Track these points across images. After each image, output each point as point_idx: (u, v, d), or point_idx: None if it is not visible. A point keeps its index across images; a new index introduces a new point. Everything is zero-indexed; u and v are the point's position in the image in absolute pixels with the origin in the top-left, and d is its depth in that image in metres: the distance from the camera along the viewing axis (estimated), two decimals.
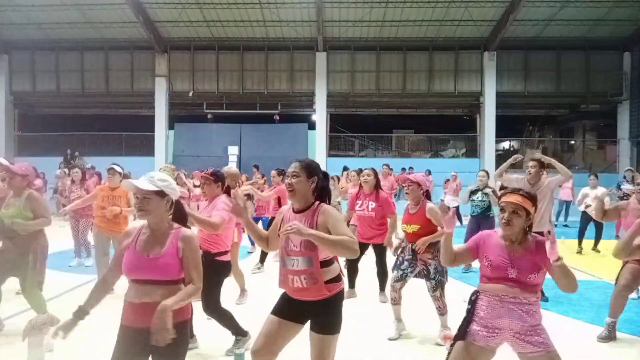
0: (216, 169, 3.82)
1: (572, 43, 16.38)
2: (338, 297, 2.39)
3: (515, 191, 2.39)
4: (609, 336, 3.89)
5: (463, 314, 2.45)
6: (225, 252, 3.66)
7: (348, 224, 7.17)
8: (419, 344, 3.85)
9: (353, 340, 3.89)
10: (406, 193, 3.98)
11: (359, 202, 5.03)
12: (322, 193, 2.45)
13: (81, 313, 2.14)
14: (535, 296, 2.31)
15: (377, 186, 5.03)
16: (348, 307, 4.83)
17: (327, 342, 2.33)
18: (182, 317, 2.16)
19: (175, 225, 2.27)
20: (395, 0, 14.37)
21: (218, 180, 3.74)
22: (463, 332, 2.35)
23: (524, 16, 14.75)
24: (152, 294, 2.09)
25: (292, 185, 2.36)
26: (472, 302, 2.41)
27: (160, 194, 2.19)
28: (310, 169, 2.40)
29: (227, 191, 3.76)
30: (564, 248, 8.17)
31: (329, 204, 2.49)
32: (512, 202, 2.31)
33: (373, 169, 5.09)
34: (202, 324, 4.25)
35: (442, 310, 3.86)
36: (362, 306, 4.89)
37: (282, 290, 2.47)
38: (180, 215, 2.32)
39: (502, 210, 2.36)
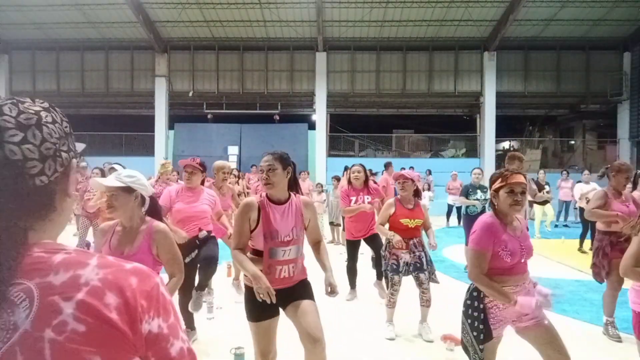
0: (202, 160, 4.00)
1: (572, 43, 16.38)
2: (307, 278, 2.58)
3: (516, 171, 2.43)
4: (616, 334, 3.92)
5: (460, 315, 2.45)
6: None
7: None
8: (419, 344, 3.85)
9: (353, 340, 3.90)
10: (401, 190, 4.02)
11: (354, 198, 5.04)
12: (294, 182, 2.53)
13: None
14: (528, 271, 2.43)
15: (367, 181, 5.11)
16: (347, 307, 4.85)
17: (315, 305, 2.44)
18: None
19: (148, 219, 2.30)
20: (395, 0, 14.37)
21: (204, 171, 3.97)
22: (489, 332, 2.29)
23: (524, 16, 14.75)
24: None
25: (270, 178, 2.39)
26: (480, 299, 2.32)
27: (127, 190, 2.22)
28: (284, 159, 2.44)
29: (202, 182, 4.02)
30: (564, 248, 8.21)
31: (300, 192, 2.58)
32: (522, 183, 2.36)
33: (362, 165, 5.15)
34: (203, 323, 4.26)
35: (429, 303, 3.95)
36: (362, 306, 4.90)
37: None
38: (154, 210, 2.36)
39: (511, 192, 2.33)
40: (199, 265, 3.82)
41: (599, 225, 4.13)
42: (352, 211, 4.96)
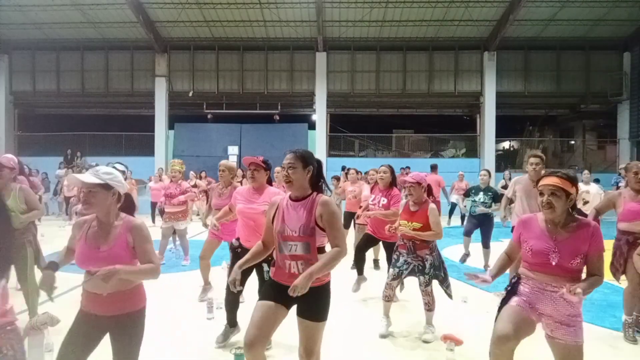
0: (265, 158, 3.80)
1: (572, 43, 16.38)
2: (328, 286, 2.46)
3: (552, 173, 2.39)
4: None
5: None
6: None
7: (350, 220, 7.22)
8: (419, 344, 3.84)
9: (352, 340, 3.89)
10: (409, 194, 3.96)
11: (372, 196, 5.07)
12: (318, 180, 2.52)
13: (54, 265, 2.28)
14: (578, 280, 2.29)
15: (393, 183, 5.05)
16: (347, 307, 4.85)
17: (319, 329, 2.40)
18: (139, 305, 2.29)
19: (123, 215, 2.33)
20: (395, 0, 14.37)
21: (268, 169, 3.78)
22: (507, 299, 2.43)
23: (524, 16, 14.75)
24: (103, 286, 2.15)
25: (290, 176, 2.42)
26: (513, 284, 2.45)
27: (106, 186, 2.24)
28: (305, 158, 2.46)
29: (270, 182, 3.84)
30: None
31: (327, 188, 2.57)
32: (550, 184, 2.30)
33: (390, 166, 5.09)
34: (203, 323, 4.26)
35: (431, 306, 3.93)
36: (362, 306, 4.90)
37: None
38: (128, 206, 2.39)
39: (540, 194, 2.34)
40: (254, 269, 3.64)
41: (619, 225, 4.09)
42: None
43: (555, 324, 2.30)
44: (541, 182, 2.37)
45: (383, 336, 3.93)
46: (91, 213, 2.27)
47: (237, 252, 3.66)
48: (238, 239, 3.71)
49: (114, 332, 2.23)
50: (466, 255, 6.57)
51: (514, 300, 2.40)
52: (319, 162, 2.55)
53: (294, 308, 2.46)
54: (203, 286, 5.13)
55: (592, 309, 4.76)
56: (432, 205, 3.94)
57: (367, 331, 4.11)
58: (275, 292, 2.43)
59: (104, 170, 2.29)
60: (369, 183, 6.67)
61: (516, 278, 2.47)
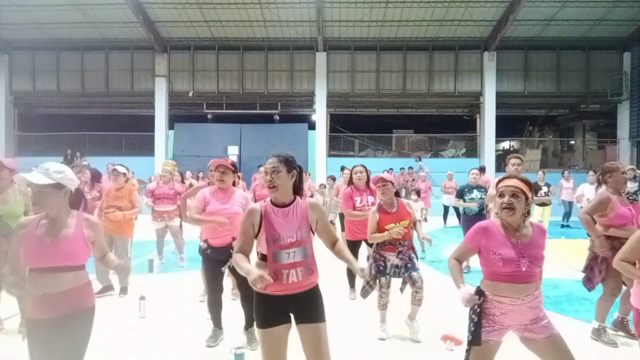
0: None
1: (572, 43, 16.40)
2: (319, 287, 2.44)
3: (511, 176, 2.43)
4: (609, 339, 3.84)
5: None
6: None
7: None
8: (419, 344, 3.84)
9: (352, 341, 3.89)
10: (382, 193, 3.96)
11: (358, 198, 5.02)
12: (298, 185, 2.46)
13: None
14: (539, 285, 2.35)
15: (369, 181, 5.10)
16: (347, 308, 4.85)
17: (324, 330, 2.34)
18: (88, 303, 2.26)
19: (75, 212, 2.31)
20: (395, 0, 14.38)
21: (236, 171, 3.90)
22: (478, 337, 2.31)
23: (524, 16, 14.76)
24: (55, 283, 2.12)
25: (274, 181, 2.34)
26: (478, 313, 2.34)
27: (57, 186, 2.21)
28: (289, 162, 2.40)
29: (233, 183, 3.94)
30: (564, 248, 8.20)
31: (302, 195, 2.49)
32: (511, 186, 2.31)
33: (363, 165, 5.17)
34: (202, 323, 4.26)
35: (421, 302, 3.89)
36: (361, 307, 4.89)
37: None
38: (76, 201, 2.36)
39: (500, 195, 2.33)
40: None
41: (600, 229, 4.00)
42: (356, 216, 4.91)
43: (524, 329, 2.29)
44: (501, 184, 2.35)
45: (382, 339, 3.92)
46: (43, 212, 2.25)
47: (207, 253, 3.70)
48: (206, 241, 3.70)
49: (61, 332, 2.14)
50: (467, 267, 6.42)
51: (483, 335, 2.31)
52: (300, 168, 2.48)
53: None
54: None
55: (592, 308, 4.73)
56: (405, 200, 4.15)
57: (366, 332, 4.11)
58: (274, 312, 2.29)
59: (54, 168, 2.24)
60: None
61: (481, 298, 2.34)
